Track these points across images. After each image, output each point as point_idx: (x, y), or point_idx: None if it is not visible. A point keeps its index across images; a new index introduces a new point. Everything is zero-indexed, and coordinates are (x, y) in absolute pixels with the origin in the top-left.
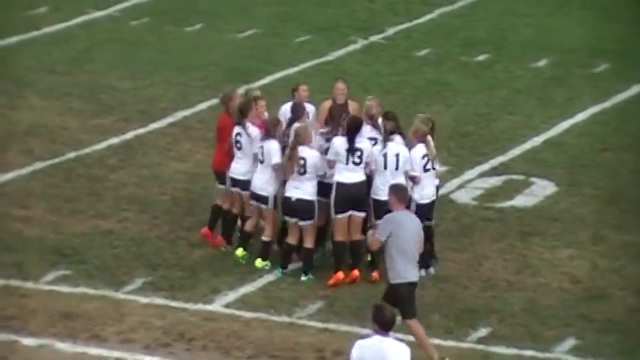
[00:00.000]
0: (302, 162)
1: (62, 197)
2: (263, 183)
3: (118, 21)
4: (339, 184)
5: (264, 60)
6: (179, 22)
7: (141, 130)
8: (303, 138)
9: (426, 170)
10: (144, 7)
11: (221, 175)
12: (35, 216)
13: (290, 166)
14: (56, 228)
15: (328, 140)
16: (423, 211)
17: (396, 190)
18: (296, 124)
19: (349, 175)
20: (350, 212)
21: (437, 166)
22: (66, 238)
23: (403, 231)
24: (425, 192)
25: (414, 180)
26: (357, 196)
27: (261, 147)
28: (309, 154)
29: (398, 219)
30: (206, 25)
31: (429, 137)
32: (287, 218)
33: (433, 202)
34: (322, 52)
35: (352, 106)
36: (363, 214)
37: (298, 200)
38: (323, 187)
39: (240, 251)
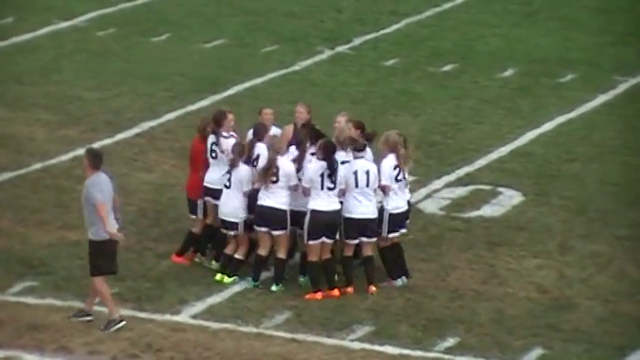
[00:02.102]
0: (275, 170)
1: (29, 208)
2: (232, 209)
3: (85, 31)
4: (313, 211)
5: (232, 70)
6: (146, 33)
7: (107, 141)
8: (278, 148)
9: (397, 181)
10: (110, 17)
11: (194, 204)
12: (1, 227)
13: (267, 177)
14: (23, 239)
15: (298, 165)
16: (397, 221)
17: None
18: (260, 144)
19: (325, 202)
20: (322, 239)
21: (406, 176)
22: (33, 250)
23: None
24: (398, 202)
25: (384, 190)
26: (330, 224)
27: (228, 172)
28: (282, 163)
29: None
30: (173, 36)
31: (403, 151)
32: (257, 228)
33: (406, 211)
34: (289, 63)
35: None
36: (332, 240)
37: (270, 208)
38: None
39: (220, 277)
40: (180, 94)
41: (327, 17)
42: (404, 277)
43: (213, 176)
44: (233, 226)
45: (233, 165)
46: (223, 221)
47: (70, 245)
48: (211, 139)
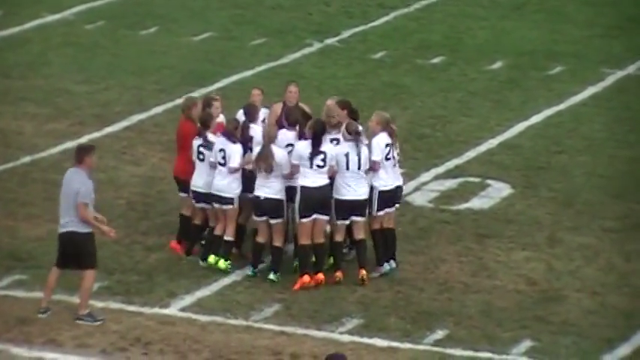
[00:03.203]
0: (270, 160)
1: (17, 202)
2: (225, 185)
3: (73, 25)
4: (303, 187)
5: (220, 63)
6: (134, 26)
7: (96, 134)
8: (272, 138)
9: (387, 159)
10: (99, 10)
11: (183, 183)
12: None
13: (262, 164)
14: (11, 232)
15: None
16: (385, 198)
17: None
18: (254, 126)
19: (313, 178)
20: (314, 216)
21: (395, 155)
22: (21, 243)
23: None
24: (387, 180)
25: (374, 166)
26: (321, 200)
27: (222, 150)
28: (276, 151)
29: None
30: (161, 29)
31: (395, 129)
32: (256, 218)
33: (396, 189)
34: (278, 55)
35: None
36: (326, 218)
37: (266, 199)
38: (248, 183)
39: (213, 259)
40: (169, 88)
41: (315, 10)
42: (392, 262)
43: (199, 180)
44: (227, 200)
45: (227, 140)
46: (218, 197)
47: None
48: (198, 141)
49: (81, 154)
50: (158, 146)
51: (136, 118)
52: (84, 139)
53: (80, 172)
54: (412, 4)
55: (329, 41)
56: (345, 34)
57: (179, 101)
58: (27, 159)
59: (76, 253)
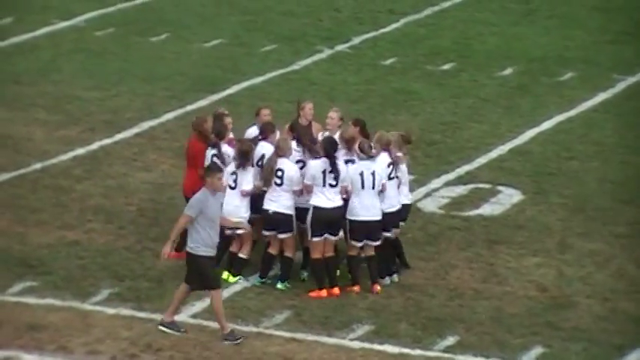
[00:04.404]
0: (279, 173)
1: (28, 208)
2: (234, 208)
3: (84, 31)
4: (315, 207)
5: (230, 70)
6: (144, 32)
7: (107, 141)
8: (284, 150)
9: (390, 178)
10: (109, 17)
11: None
12: (1, 227)
13: (269, 177)
14: (22, 239)
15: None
16: (387, 220)
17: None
18: (264, 143)
19: (327, 199)
20: (325, 236)
21: (399, 174)
22: (32, 250)
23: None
24: (392, 201)
25: (382, 188)
26: (333, 221)
27: (234, 174)
28: (287, 166)
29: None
30: (172, 35)
31: (396, 150)
32: (265, 232)
33: (399, 210)
34: (288, 62)
35: (315, 127)
36: (335, 238)
37: (275, 213)
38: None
39: (226, 276)
40: (180, 94)
41: (326, 16)
42: (394, 276)
43: None
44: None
45: (239, 166)
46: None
47: (69, 245)
48: (212, 151)
49: (204, 174)
50: (169, 152)
51: (146, 124)
52: (94, 146)
53: (204, 191)
54: (422, 11)
55: (339, 47)
56: (356, 40)
57: (190, 107)
58: (37, 165)
59: (198, 274)
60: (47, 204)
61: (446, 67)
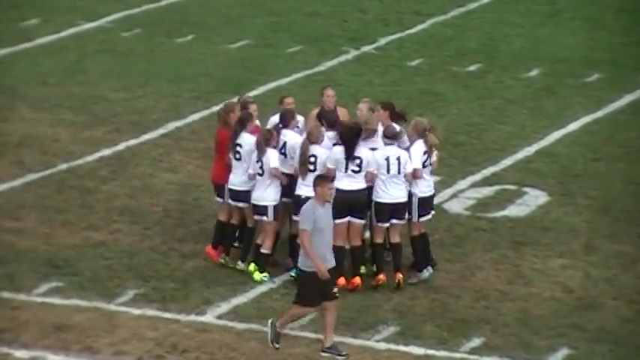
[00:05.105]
0: (312, 159)
1: (54, 209)
2: (262, 193)
3: (110, 32)
4: (337, 190)
5: (256, 71)
6: (170, 34)
7: (132, 142)
8: (316, 137)
9: (424, 166)
10: (135, 18)
11: (220, 188)
12: (27, 228)
13: (302, 166)
14: (48, 240)
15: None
16: (426, 205)
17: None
18: (286, 131)
19: (348, 182)
20: (348, 218)
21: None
22: (58, 250)
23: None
24: (426, 186)
25: (416, 174)
26: (355, 204)
27: (260, 161)
28: (320, 152)
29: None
30: (197, 37)
31: (431, 137)
32: (295, 217)
33: (433, 195)
34: (314, 63)
35: (341, 112)
36: (362, 222)
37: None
38: (288, 188)
39: (253, 267)
40: (205, 95)
41: (352, 17)
42: (429, 267)
43: (236, 179)
44: (262, 210)
45: (261, 152)
46: (255, 206)
47: (94, 246)
48: (235, 140)
49: (314, 183)
50: (194, 153)
51: (172, 125)
52: (120, 147)
53: (313, 202)
54: (448, 12)
55: (365, 48)
56: (382, 41)
57: (215, 108)
58: (63, 166)
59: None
60: (73, 205)
61: (472, 68)
